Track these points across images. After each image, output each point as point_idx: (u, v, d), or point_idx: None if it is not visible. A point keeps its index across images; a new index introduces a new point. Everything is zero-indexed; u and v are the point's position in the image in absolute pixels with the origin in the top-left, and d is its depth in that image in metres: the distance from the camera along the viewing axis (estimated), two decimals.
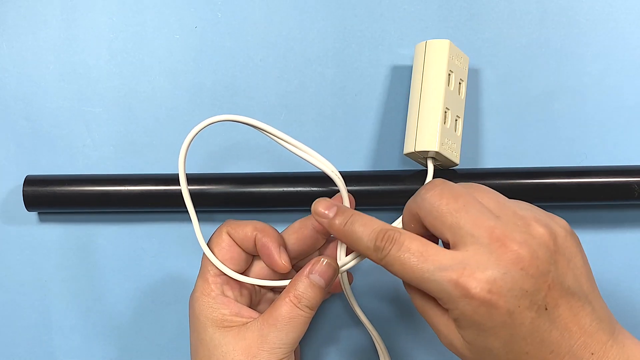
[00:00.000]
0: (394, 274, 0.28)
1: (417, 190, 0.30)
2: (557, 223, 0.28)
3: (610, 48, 0.39)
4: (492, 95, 0.39)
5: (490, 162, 0.39)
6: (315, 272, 0.31)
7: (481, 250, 0.26)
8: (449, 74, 0.35)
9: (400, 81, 0.39)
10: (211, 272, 0.33)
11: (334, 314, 0.39)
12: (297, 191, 0.36)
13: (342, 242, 0.32)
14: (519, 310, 0.25)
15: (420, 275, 0.27)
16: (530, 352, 0.26)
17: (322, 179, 0.36)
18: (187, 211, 0.38)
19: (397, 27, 0.39)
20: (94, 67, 0.39)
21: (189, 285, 0.39)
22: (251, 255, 0.34)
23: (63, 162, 0.39)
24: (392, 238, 0.28)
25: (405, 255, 0.27)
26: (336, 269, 0.32)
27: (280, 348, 0.30)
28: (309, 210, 0.32)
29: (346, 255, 0.33)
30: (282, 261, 0.32)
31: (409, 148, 0.36)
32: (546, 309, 0.25)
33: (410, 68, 0.39)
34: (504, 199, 0.28)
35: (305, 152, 0.32)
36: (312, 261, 0.31)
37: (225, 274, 0.33)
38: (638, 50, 0.39)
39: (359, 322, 0.38)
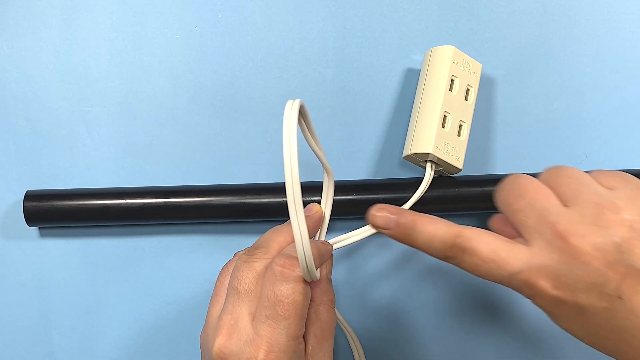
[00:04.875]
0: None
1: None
2: (639, 206, 0.26)
3: (610, 48, 0.39)
4: (492, 96, 0.39)
5: (491, 163, 0.39)
6: (330, 271, 0.32)
7: (546, 246, 0.27)
8: (452, 79, 0.36)
9: (400, 81, 0.39)
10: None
11: None
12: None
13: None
14: (587, 302, 0.26)
15: (493, 279, 0.28)
16: (609, 337, 0.26)
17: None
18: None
19: (396, 27, 0.39)
20: (94, 67, 0.39)
21: (189, 285, 0.39)
22: None
23: (63, 163, 0.39)
24: (462, 247, 0.28)
25: (476, 262, 0.28)
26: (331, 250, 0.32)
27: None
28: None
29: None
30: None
31: (406, 151, 0.36)
32: (621, 297, 0.25)
33: (409, 68, 0.39)
34: (585, 182, 0.28)
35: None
36: (327, 264, 0.32)
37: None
38: (638, 50, 0.39)
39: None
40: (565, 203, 0.27)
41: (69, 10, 0.39)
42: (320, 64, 0.39)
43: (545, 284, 0.26)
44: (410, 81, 0.39)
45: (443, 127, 0.35)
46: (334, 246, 0.34)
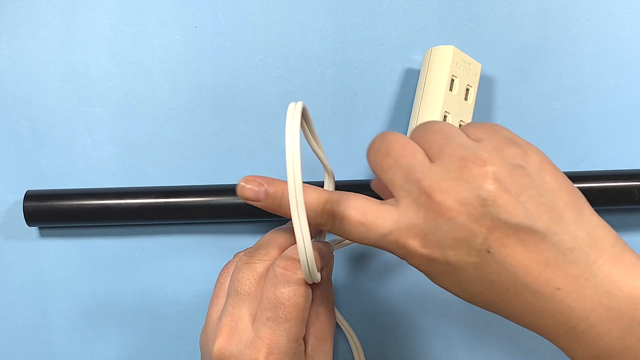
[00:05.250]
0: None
1: None
2: (505, 156, 0.26)
3: (610, 48, 0.39)
4: (491, 96, 0.39)
5: None
6: (330, 272, 0.32)
7: (412, 204, 0.26)
8: (453, 79, 0.36)
9: (400, 81, 0.39)
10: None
11: None
12: None
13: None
14: (456, 259, 0.25)
15: (366, 243, 0.27)
16: (483, 292, 0.26)
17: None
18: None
19: (396, 27, 0.39)
20: (94, 67, 0.39)
21: (189, 285, 0.39)
22: None
23: (63, 163, 0.39)
24: (332, 213, 0.27)
25: (347, 227, 0.27)
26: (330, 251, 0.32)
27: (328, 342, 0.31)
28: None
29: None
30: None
31: None
32: (489, 251, 0.25)
33: (409, 68, 0.39)
34: (451, 136, 0.27)
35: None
36: (328, 265, 0.32)
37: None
38: (638, 50, 0.39)
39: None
40: (431, 158, 0.26)
41: (69, 10, 0.39)
42: (320, 64, 0.39)
43: (414, 243, 0.26)
44: (410, 81, 0.39)
45: None
46: (335, 247, 0.34)
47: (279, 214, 0.29)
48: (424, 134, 0.28)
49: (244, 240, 0.39)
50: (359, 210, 0.27)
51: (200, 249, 0.39)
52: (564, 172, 0.37)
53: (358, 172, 0.39)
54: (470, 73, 0.37)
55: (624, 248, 0.25)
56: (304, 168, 0.38)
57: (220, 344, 0.28)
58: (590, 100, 0.39)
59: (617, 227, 0.39)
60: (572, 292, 0.24)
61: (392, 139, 0.28)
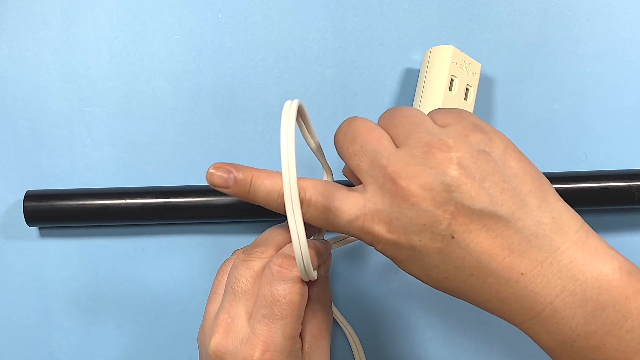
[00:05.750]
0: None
1: None
2: (470, 141, 0.26)
3: (610, 48, 0.39)
4: (491, 96, 0.39)
5: None
6: (328, 270, 0.32)
7: (378, 190, 0.26)
8: (452, 79, 0.36)
9: (400, 81, 0.39)
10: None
11: None
12: None
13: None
14: (421, 244, 0.25)
15: (334, 229, 0.28)
16: (449, 277, 0.26)
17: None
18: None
19: (397, 27, 0.39)
20: (94, 67, 0.39)
21: (189, 285, 0.39)
22: None
23: (63, 163, 0.39)
24: (300, 200, 0.27)
25: (314, 213, 0.28)
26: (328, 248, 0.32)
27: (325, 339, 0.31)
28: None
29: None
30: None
31: None
32: (453, 237, 0.25)
33: (409, 68, 0.39)
34: (418, 122, 0.27)
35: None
36: (326, 263, 0.32)
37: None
38: (638, 50, 0.39)
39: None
40: (398, 144, 0.27)
41: (69, 10, 0.39)
42: (320, 64, 0.39)
43: (380, 229, 0.26)
44: (410, 81, 0.39)
45: None
46: (333, 245, 0.34)
47: (248, 201, 0.29)
48: (391, 120, 0.28)
49: (244, 240, 0.39)
50: (327, 196, 0.27)
51: (200, 249, 0.39)
52: (563, 172, 0.37)
53: None
54: (470, 73, 0.37)
55: (588, 233, 0.25)
56: (305, 167, 0.39)
57: (216, 340, 0.28)
58: (590, 100, 0.39)
59: (617, 227, 0.39)
60: (536, 277, 0.24)
61: (359, 124, 0.28)
